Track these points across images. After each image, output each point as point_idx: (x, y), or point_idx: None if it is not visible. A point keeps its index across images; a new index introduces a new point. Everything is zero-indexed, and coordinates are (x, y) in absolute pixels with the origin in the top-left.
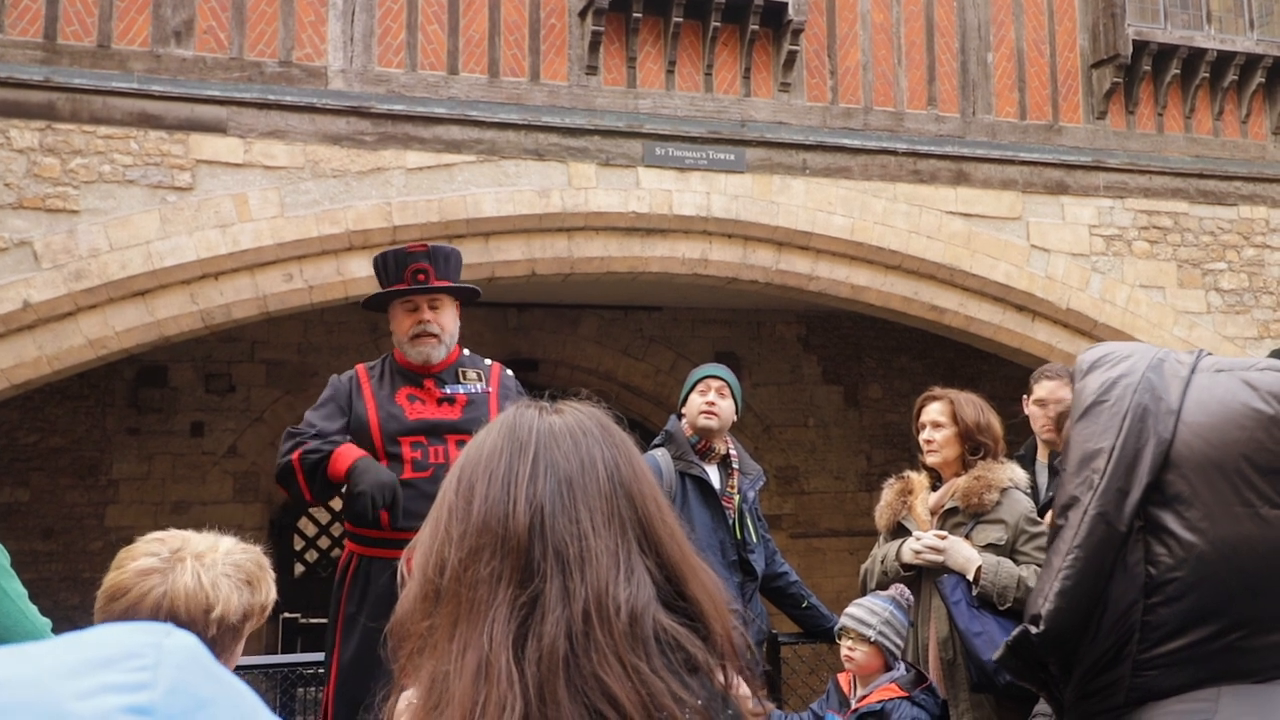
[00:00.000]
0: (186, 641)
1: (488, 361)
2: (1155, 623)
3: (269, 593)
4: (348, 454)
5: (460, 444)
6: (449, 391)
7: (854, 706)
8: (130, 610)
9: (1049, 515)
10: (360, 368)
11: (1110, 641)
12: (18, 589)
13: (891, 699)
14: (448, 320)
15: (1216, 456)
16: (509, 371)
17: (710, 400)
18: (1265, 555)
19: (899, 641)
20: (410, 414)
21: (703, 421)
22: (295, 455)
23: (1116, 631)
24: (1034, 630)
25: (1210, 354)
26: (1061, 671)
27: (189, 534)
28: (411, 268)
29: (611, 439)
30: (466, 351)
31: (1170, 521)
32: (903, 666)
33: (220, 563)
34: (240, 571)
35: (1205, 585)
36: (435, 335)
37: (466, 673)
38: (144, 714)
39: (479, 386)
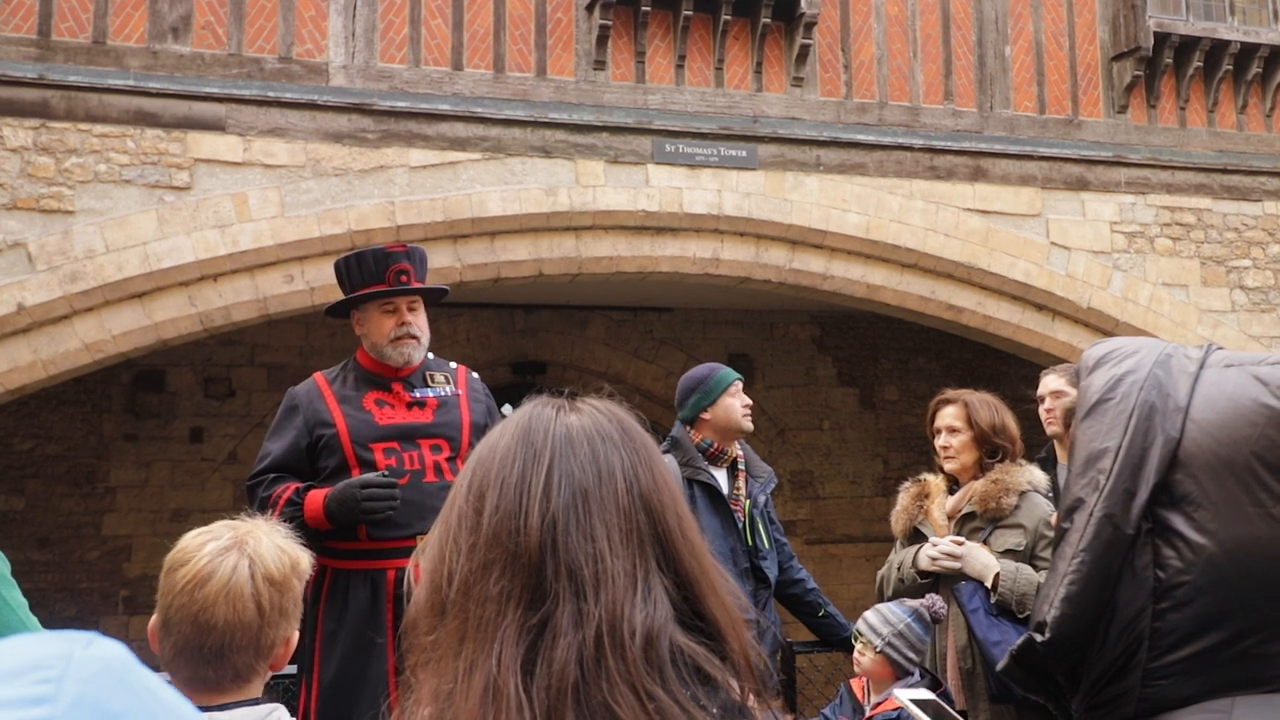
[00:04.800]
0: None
1: (453, 364)
2: (1165, 629)
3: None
4: (314, 505)
5: (434, 448)
6: (418, 395)
7: (867, 714)
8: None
9: None
10: (318, 375)
11: (1119, 649)
12: (18, 598)
13: None
14: (424, 322)
15: (1226, 455)
16: (475, 375)
17: (747, 402)
18: (1278, 557)
19: (911, 655)
20: (381, 419)
21: (746, 424)
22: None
23: (1125, 639)
24: (1039, 638)
25: (1220, 348)
26: (1069, 681)
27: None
28: (394, 268)
29: (632, 444)
30: (431, 355)
31: (1179, 523)
32: (917, 674)
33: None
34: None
35: (1216, 589)
36: (416, 337)
37: (473, 694)
38: None
39: (448, 390)
